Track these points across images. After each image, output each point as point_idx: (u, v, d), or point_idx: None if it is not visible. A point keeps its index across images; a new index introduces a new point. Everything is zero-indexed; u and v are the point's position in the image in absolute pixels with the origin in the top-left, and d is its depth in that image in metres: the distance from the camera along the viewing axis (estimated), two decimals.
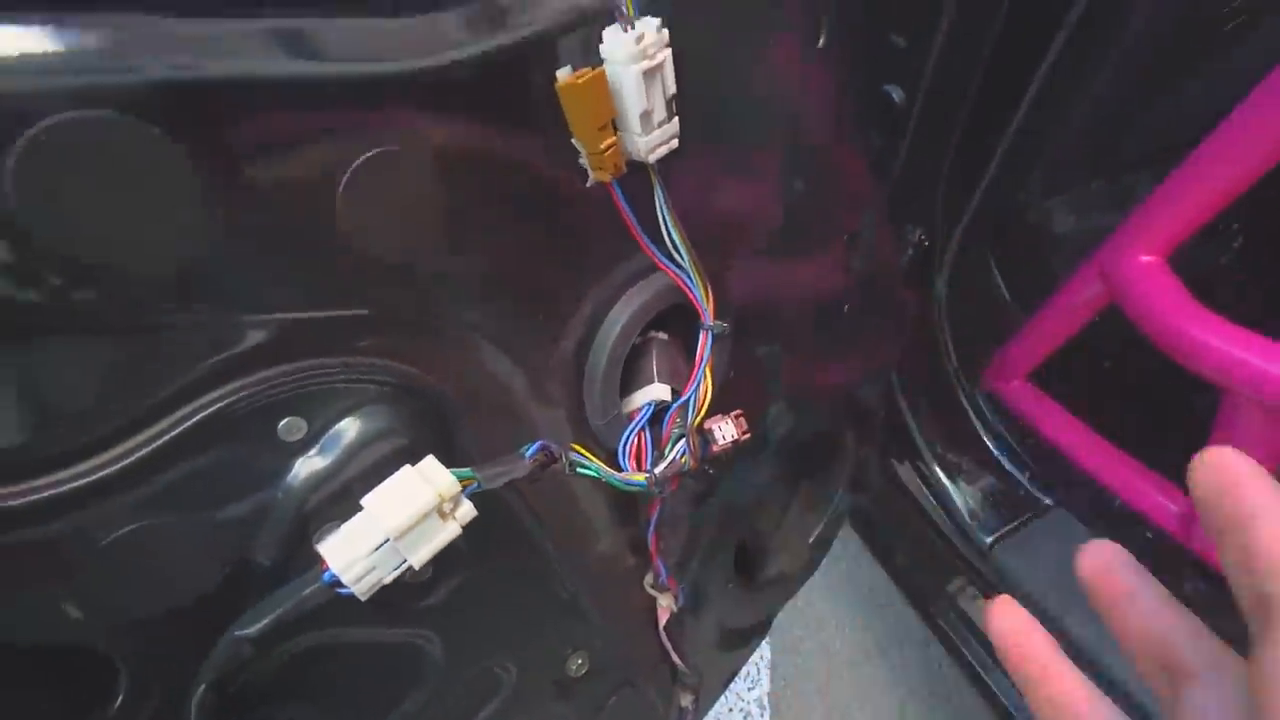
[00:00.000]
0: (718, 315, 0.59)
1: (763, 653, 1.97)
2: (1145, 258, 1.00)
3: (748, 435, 0.55)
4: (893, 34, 0.92)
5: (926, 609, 1.45)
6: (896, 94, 0.96)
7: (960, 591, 1.38)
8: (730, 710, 1.87)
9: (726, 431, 0.54)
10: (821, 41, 0.65)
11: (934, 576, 1.43)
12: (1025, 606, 1.12)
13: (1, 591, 0.35)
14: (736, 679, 1.92)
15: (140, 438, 0.36)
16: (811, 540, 1.19)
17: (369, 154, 0.36)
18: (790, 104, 0.66)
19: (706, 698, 1.09)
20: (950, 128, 0.99)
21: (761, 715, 1.85)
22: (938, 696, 1.77)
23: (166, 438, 0.37)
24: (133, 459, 0.36)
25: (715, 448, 0.55)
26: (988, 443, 1.34)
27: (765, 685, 1.90)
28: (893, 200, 1.09)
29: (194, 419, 0.37)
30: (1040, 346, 1.29)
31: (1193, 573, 1.12)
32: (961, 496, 1.32)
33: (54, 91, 0.26)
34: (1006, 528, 1.27)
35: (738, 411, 0.56)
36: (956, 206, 1.13)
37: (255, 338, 0.37)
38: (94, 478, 0.35)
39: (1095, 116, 0.94)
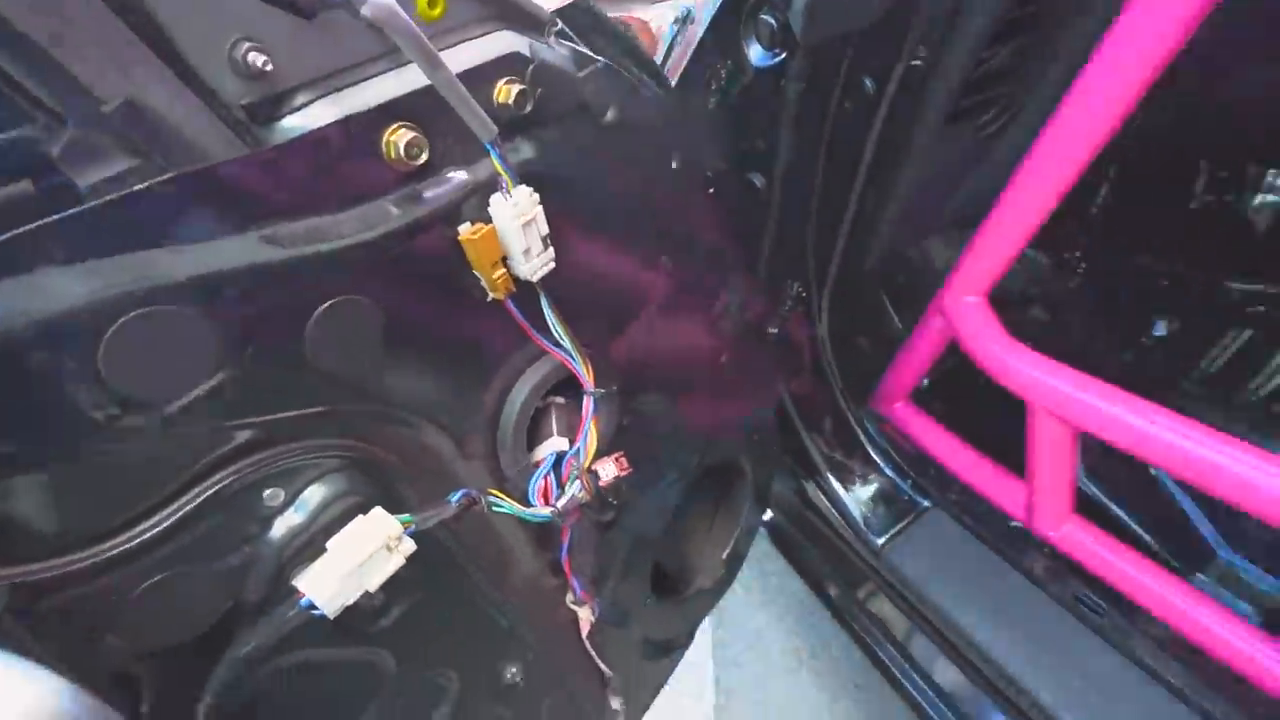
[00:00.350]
0: (602, 380, 0.77)
1: (707, 668, 2.12)
2: (969, 298, 1.23)
3: (628, 471, 0.73)
4: (755, 139, 1.14)
5: (842, 615, 1.63)
6: (759, 180, 1.18)
7: (870, 596, 1.56)
8: None
9: (609, 470, 0.71)
10: (675, 165, 0.85)
11: (844, 583, 1.61)
12: (913, 597, 1.35)
13: (63, 628, 0.49)
14: (682, 695, 2.06)
15: (161, 514, 0.51)
16: (725, 556, 1.37)
17: (329, 302, 0.53)
18: (655, 211, 0.85)
19: (638, 703, 1.24)
20: (806, 206, 1.22)
21: None
22: (864, 690, 1.95)
23: (181, 513, 0.52)
24: (156, 530, 0.51)
25: (603, 483, 0.72)
26: (875, 457, 1.56)
27: (710, 698, 2.05)
28: (771, 262, 1.31)
29: (200, 498, 0.52)
30: (910, 373, 1.52)
31: (1038, 553, 1.33)
32: (855, 504, 1.52)
33: (124, 298, 0.42)
34: (894, 529, 1.47)
35: (619, 454, 0.73)
36: (824, 263, 1.35)
37: (244, 435, 0.53)
38: (129, 545, 0.50)
39: (913, 194, 1.18)
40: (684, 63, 1.08)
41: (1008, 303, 2.22)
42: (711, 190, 1.12)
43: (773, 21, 0.93)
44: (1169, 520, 1.63)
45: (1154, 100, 0.83)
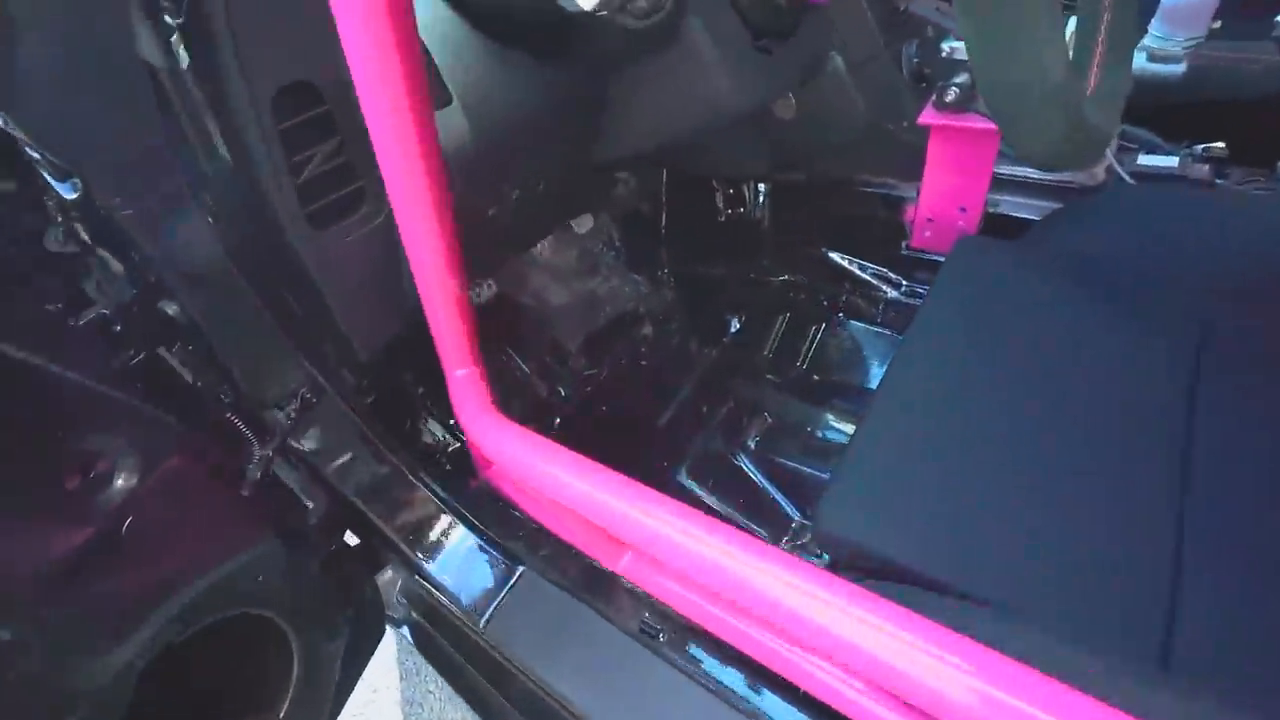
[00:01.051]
0: None
1: None
2: (459, 372, 1.23)
3: None
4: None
5: (479, 702, 1.56)
6: (173, 309, 1.05)
7: (491, 676, 1.51)
8: None
9: None
10: None
11: (472, 671, 1.55)
12: (520, 673, 1.25)
13: None
14: None
15: None
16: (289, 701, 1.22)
17: None
18: None
19: None
20: (246, 326, 1.11)
21: None
22: None
23: None
24: None
25: None
26: (467, 532, 1.51)
27: None
28: (250, 380, 1.19)
29: None
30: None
31: (612, 587, 1.37)
32: (457, 586, 1.45)
33: None
34: (495, 603, 1.43)
35: None
36: (324, 367, 1.27)
37: None
38: None
39: (348, 292, 1.14)
40: None
41: (623, 323, 2.36)
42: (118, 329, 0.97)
43: None
44: (757, 501, 1.82)
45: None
